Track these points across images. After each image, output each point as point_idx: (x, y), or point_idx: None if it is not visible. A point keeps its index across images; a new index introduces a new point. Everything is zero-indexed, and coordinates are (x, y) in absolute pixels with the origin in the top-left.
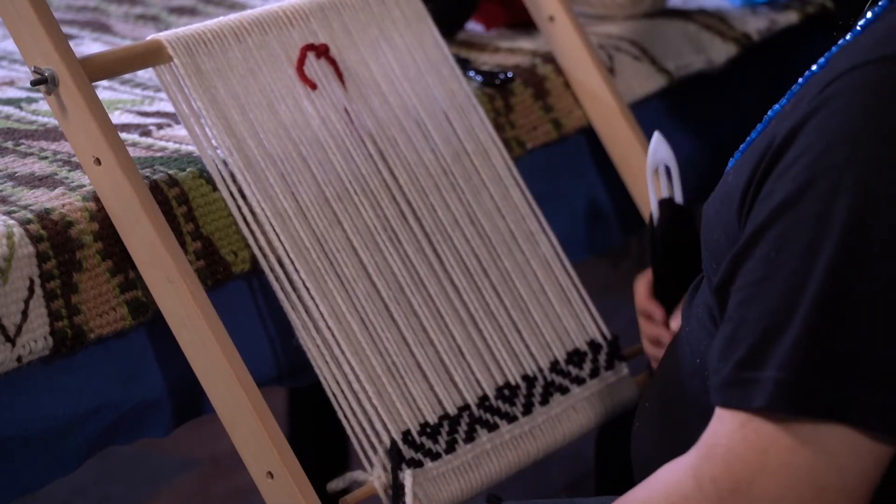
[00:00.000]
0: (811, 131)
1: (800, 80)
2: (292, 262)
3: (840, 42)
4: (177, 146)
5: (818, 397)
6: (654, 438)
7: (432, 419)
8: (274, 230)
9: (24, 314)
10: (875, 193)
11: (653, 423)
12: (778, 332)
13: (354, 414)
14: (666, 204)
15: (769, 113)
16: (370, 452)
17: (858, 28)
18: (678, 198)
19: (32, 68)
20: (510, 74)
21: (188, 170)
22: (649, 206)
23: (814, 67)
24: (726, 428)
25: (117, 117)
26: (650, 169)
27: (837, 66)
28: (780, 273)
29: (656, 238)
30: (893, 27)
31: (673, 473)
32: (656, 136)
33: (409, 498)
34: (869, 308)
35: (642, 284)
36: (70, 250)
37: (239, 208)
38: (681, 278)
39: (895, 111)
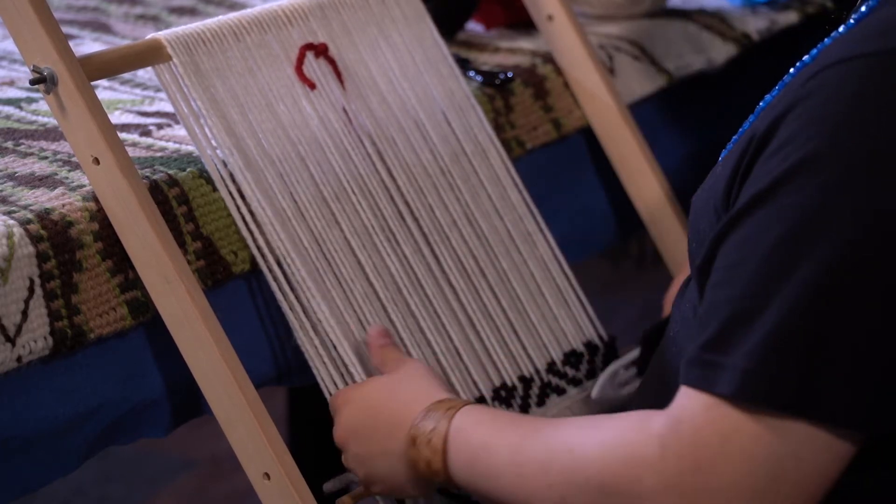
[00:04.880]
0: (793, 121)
1: (791, 70)
2: (290, 263)
3: (833, 34)
4: (177, 146)
5: (785, 391)
6: None
7: None
8: (273, 230)
9: (24, 314)
10: (852, 186)
11: None
12: (746, 318)
13: None
14: None
15: (760, 104)
16: None
17: (852, 21)
18: None
19: (32, 67)
20: (510, 74)
21: (188, 170)
22: (648, 206)
23: (805, 58)
24: (692, 408)
25: (117, 117)
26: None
27: (826, 58)
28: (751, 260)
29: None
30: (887, 21)
31: (639, 433)
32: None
33: (408, 501)
34: (845, 305)
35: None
36: (70, 250)
37: (238, 208)
38: None
39: (879, 105)
